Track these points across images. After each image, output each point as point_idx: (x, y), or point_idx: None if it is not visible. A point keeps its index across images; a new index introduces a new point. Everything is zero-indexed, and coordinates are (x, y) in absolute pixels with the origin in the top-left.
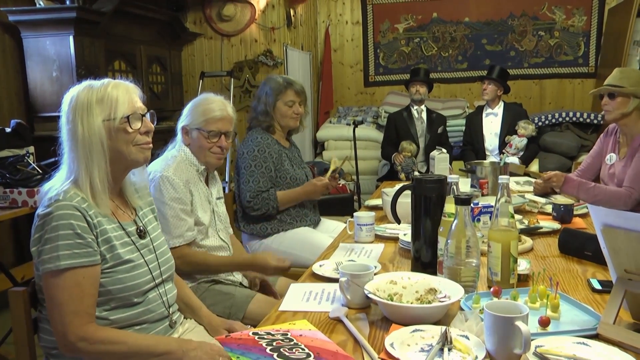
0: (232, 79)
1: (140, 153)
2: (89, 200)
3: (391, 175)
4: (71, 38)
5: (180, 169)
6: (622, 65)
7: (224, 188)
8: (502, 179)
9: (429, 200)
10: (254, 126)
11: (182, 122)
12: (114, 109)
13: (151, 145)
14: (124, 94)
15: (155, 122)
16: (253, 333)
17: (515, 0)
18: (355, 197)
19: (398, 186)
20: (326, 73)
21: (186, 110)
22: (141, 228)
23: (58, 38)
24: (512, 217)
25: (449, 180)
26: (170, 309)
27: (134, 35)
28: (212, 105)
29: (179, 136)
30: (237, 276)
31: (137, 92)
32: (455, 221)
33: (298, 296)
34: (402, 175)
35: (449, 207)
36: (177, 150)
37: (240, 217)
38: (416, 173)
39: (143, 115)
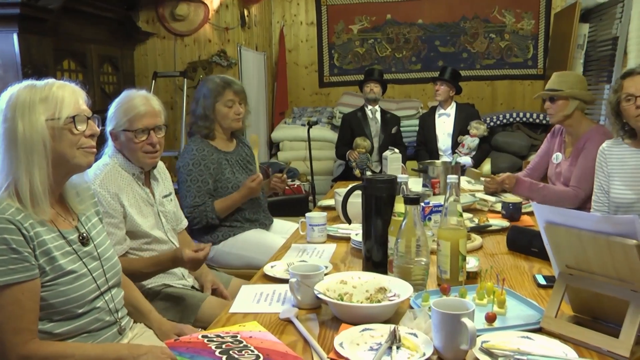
0: (186, 80)
1: (84, 157)
2: (26, 208)
3: (346, 175)
4: (15, 35)
5: (108, 179)
6: (567, 68)
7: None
8: (451, 178)
9: (379, 200)
10: (194, 132)
11: (108, 127)
12: (59, 108)
13: (95, 149)
14: (70, 94)
15: (101, 127)
16: (202, 336)
17: (467, 3)
18: (310, 198)
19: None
20: (281, 73)
21: (110, 114)
22: (84, 235)
23: (1, 35)
24: (461, 215)
25: (398, 180)
26: (119, 314)
27: (85, 34)
28: (133, 102)
29: (109, 142)
30: (189, 280)
31: (82, 95)
32: (405, 220)
33: (249, 298)
34: (357, 172)
35: (399, 206)
36: (109, 157)
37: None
38: (369, 173)
39: (89, 118)
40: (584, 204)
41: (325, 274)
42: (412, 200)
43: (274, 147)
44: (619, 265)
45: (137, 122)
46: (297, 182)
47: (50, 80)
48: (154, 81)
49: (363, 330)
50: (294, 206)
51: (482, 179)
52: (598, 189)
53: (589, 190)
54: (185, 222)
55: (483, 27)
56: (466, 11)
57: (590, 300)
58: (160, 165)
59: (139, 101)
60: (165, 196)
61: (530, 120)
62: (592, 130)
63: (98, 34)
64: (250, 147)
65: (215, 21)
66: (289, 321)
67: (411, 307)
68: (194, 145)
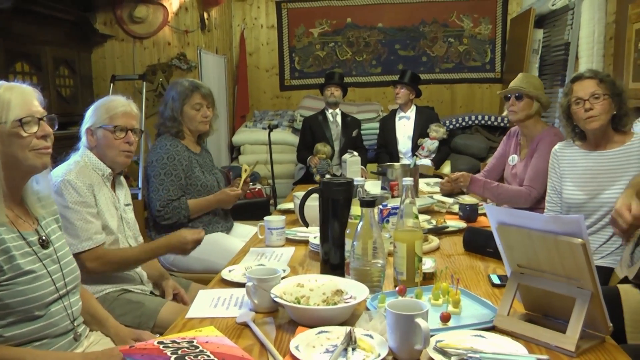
0: (145, 83)
1: (37, 158)
2: None
3: (307, 179)
4: None
5: (82, 173)
6: (523, 71)
7: (136, 195)
8: (406, 181)
9: (336, 203)
10: (162, 132)
11: (85, 124)
12: (5, 112)
13: (50, 150)
14: (18, 96)
15: (56, 127)
16: (158, 342)
17: (426, 8)
18: (272, 201)
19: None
20: (242, 77)
21: (89, 112)
22: (44, 237)
23: None
24: (416, 217)
25: (355, 182)
26: (75, 322)
27: (39, 35)
28: (115, 102)
29: (83, 140)
30: (148, 285)
31: (35, 95)
32: (361, 223)
33: (206, 302)
34: (318, 178)
35: (355, 209)
36: (79, 156)
37: (151, 226)
38: (327, 176)
39: (40, 119)
40: (537, 203)
41: (283, 278)
42: (368, 202)
43: (234, 150)
44: (566, 263)
45: (118, 119)
46: (258, 186)
47: (0, 82)
48: (112, 84)
49: (319, 332)
50: (255, 210)
51: (437, 179)
52: (551, 189)
53: (541, 189)
54: (140, 239)
55: (442, 31)
56: (425, 16)
57: (540, 298)
58: (122, 178)
59: (120, 102)
60: (127, 205)
61: (489, 122)
62: (545, 131)
63: (53, 36)
64: (241, 173)
65: (174, 24)
66: (245, 325)
67: (368, 309)
68: (167, 141)
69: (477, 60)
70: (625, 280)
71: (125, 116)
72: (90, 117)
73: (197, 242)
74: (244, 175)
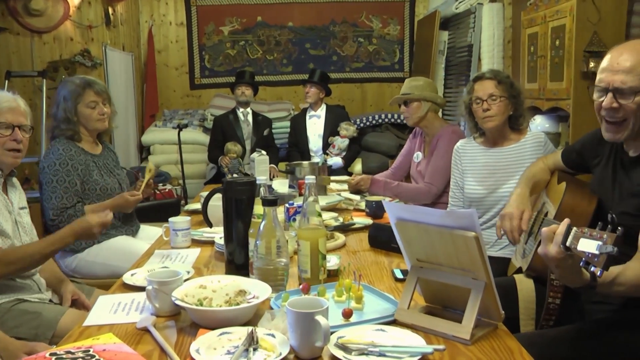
0: (45, 80)
1: None
2: None
3: (219, 178)
4: None
5: None
6: (430, 72)
7: (38, 198)
8: (309, 179)
9: (239, 203)
10: (56, 135)
11: None
12: None
13: None
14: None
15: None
16: (51, 354)
17: (336, 8)
18: (183, 202)
19: None
20: (150, 75)
21: None
22: None
23: None
24: (320, 215)
25: (258, 182)
26: None
27: None
28: None
29: None
30: (47, 293)
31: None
32: (264, 222)
33: (105, 309)
34: (229, 177)
35: (258, 208)
36: None
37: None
38: (235, 175)
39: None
40: (438, 199)
41: (186, 279)
42: (270, 201)
43: (144, 150)
44: (461, 256)
45: (2, 115)
46: (168, 187)
47: None
48: (7, 81)
49: (221, 334)
50: (165, 211)
51: (346, 177)
52: (454, 185)
53: (441, 185)
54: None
55: (352, 31)
56: (335, 15)
57: (439, 290)
58: (15, 180)
59: (5, 97)
60: (22, 208)
61: (399, 121)
62: (443, 129)
63: None
64: (145, 173)
65: (77, 18)
66: (146, 330)
67: (271, 308)
68: (60, 146)
69: (386, 60)
70: (520, 270)
71: (10, 112)
72: None
73: (104, 225)
74: (147, 176)
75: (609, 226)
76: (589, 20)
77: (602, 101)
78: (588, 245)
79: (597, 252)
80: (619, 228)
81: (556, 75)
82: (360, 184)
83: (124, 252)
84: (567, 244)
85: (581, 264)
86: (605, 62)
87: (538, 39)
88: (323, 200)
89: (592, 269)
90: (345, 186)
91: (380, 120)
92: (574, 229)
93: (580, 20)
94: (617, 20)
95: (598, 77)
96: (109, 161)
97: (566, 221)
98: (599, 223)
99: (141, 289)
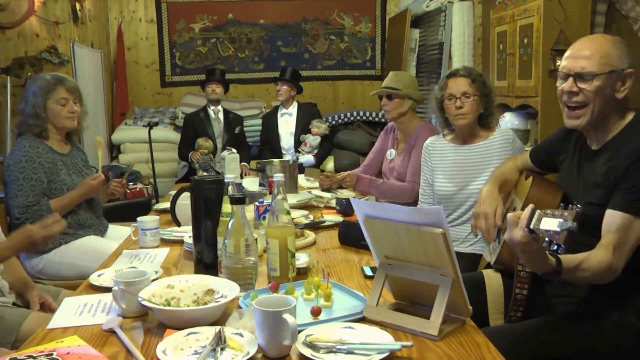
0: (9, 77)
1: None
2: None
3: (190, 177)
4: None
5: None
6: (401, 69)
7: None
8: (277, 177)
9: (208, 201)
10: (24, 132)
11: None
12: None
13: None
14: None
15: None
16: (11, 359)
17: (307, 5)
18: (154, 201)
19: None
20: (120, 73)
21: None
22: None
23: None
24: (288, 213)
25: (226, 180)
26: None
27: None
28: None
29: None
30: (10, 297)
31: None
32: (232, 220)
33: (71, 311)
34: (201, 173)
35: (226, 207)
36: None
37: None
38: (203, 173)
39: None
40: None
41: (154, 279)
42: (238, 200)
43: (115, 149)
44: (429, 253)
45: None
46: (139, 186)
47: None
48: None
49: (188, 334)
50: (136, 210)
51: (302, 182)
52: (424, 182)
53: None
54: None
55: (323, 28)
56: (306, 13)
57: (407, 287)
58: None
59: None
60: None
61: (370, 118)
62: (422, 127)
63: None
64: (96, 150)
65: (42, 14)
66: (112, 332)
67: (240, 307)
68: (27, 142)
69: (358, 58)
70: (490, 265)
71: None
72: None
73: (49, 237)
74: (99, 153)
75: (579, 205)
76: (556, 20)
77: (564, 86)
78: (550, 224)
79: (558, 229)
80: (579, 206)
81: (525, 73)
82: (346, 180)
83: (92, 252)
84: (531, 226)
85: (544, 244)
86: (568, 51)
87: (507, 38)
88: (294, 198)
89: (554, 247)
90: (317, 184)
91: (352, 118)
92: (538, 211)
93: (547, 19)
94: (582, 20)
95: (561, 65)
96: (78, 161)
97: (530, 206)
98: (561, 204)
99: (108, 289)
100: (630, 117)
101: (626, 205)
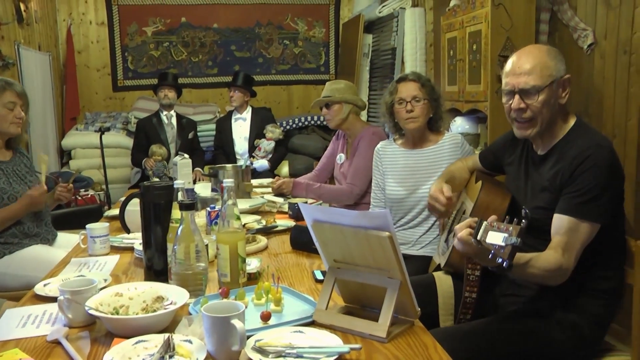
0: None
1: None
2: None
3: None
4: None
5: None
6: (355, 74)
7: None
8: (227, 182)
9: (157, 207)
10: None
11: None
12: None
13: None
14: None
15: None
16: None
17: (261, 10)
18: (106, 207)
19: None
20: (70, 76)
21: None
22: None
23: None
24: (239, 218)
25: (175, 185)
26: None
27: None
28: None
29: None
30: None
31: None
32: (182, 226)
33: (12, 323)
34: (155, 180)
35: (176, 213)
36: None
37: None
38: (156, 179)
39: None
40: (361, 199)
41: (103, 288)
42: (187, 205)
43: (65, 155)
44: (377, 256)
45: None
46: (90, 192)
47: None
48: None
49: (136, 342)
50: (87, 217)
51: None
52: (375, 186)
53: (363, 186)
54: None
55: (277, 33)
56: (260, 17)
57: (356, 290)
58: None
59: None
60: None
61: (324, 123)
62: (364, 131)
63: None
64: (40, 167)
65: None
66: (57, 343)
67: (190, 314)
68: None
69: (312, 63)
70: (440, 267)
71: None
72: None
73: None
74: (43, 169)
75: (523, 221)
76: (502, 27)
77: (511, 103)
78: (495, 238)
79: (503, 244)
80: (523, 221)
81: (474, 78)
82: (282, 187)
83: (38, 261)
84: (478, 237)
85: (489, 257)
86: (508, 66)
87: (457, 44)
88: (246, 203)
89: (499, 260)
90: (269, 189)
91: (306, 122)
92: (485, 222)
93: (494, 26)
94: (527, 27)
95: (504, 81)
96: (20, 167)
97: (474, 219)
98: (506, 217)
99: (54, 299)
100: (572, 121)
101: (572, 209)
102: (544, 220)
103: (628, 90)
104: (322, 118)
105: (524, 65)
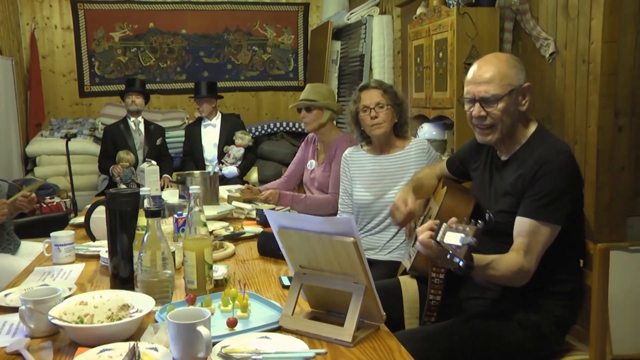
0: None
1: None
2: None
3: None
4: None
5: None
6: (324, 81)
7: None
8: (193, 189)
9: (123, 214)
10: None
11: None
12: None
13: None
14: None
15: None
16: None
17: (229, 16)
18: (72, 215)
19: None
20: (35, 82)
21: None
22: None
23: None
24: (205, 225)
25: (141, 192)
26: None
27: None
28: None
29: None
30: None
31: None
32: (148, 234)
33: None
34: (122, 186)
35: (142, 220)
36: None
37: None
38: (123, 186)
39: None
40: None
41: (67, 297)
42: (153, 212)
43: (29, 162)
44: (342, 261)
45: None
46: (56, 200)
47: None
48: None
49: (101, 351)
50: (53, 225)
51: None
52: (343, 192)
53: None
54: None
55: (246, 39)
56: (228, 23)
57: (323, 296)
58: None
59: None
60: None
61: (293, 129)
62: (340, 138)
63: None
64: None
65: None
66: (18, 354)
67: (156, 321)
68: None
69: (281, 69)
70: (407, 271)
71: None
72: None
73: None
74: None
75: (479, 221)
76: (468, 35)
77: (472, 111)
78: (453, 238)
79: (459, 244)
80: (479, 222)
81: (440, 85)
82: (269, 199)
83: (0, 272)
84: (437, 238)
85: (448, 257)
86: (469, 75)
87: (424, 51)
88: (214, 210)
89: (456, 260)
90: (238, 195)
91: (275, 129)
92: (444, 224)
93: (460, 34)
94: (491, 36)
95: (465, 89)
96: None
97: (436, 221)
98: (471, 220)
99: (15, 310)
100: (533, 127)
101: (533, 212)
102: (507, 224)
103: (587, 98)
104: (290, 124)
105: (484, 75)
